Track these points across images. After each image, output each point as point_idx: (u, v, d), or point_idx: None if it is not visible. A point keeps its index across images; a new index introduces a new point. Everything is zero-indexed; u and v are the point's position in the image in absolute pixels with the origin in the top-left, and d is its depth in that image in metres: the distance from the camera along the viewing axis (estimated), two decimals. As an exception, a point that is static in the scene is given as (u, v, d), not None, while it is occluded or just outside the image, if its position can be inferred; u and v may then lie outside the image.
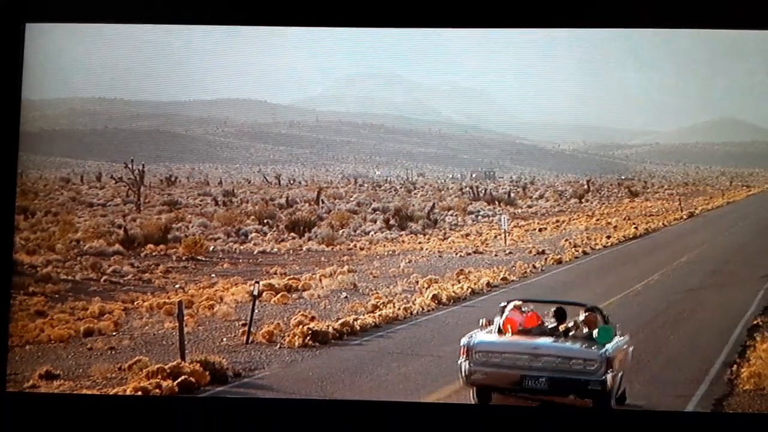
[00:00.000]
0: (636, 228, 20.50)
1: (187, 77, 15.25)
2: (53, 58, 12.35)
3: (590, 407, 8.15)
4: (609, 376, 7.85)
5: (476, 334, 8.49)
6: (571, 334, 8.29)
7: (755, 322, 13.22)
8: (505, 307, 8.71)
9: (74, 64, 14.13)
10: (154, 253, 17.60)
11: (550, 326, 8.54)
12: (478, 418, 9.88)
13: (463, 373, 8.33)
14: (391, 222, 20.48)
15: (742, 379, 10.68)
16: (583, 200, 22.81)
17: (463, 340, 8.47)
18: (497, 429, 9.83)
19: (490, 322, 8.73)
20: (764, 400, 10.22)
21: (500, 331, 8.41)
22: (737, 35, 13.34)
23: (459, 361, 8.41)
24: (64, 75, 13.90)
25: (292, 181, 22.28)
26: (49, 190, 18.39)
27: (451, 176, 22.91)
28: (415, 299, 14.84)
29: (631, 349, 9.11)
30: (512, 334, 8.24)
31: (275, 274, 16.88)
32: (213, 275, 16.69)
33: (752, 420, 9.87)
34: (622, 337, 8.74)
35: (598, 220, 21.45)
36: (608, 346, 8.16)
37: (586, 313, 8.45)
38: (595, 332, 8.26)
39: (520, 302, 8.67)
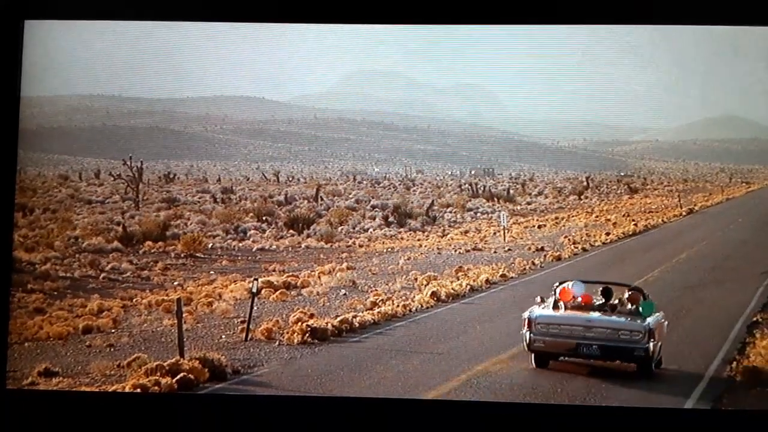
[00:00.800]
0: (635, 225, 20.49)
1: (186, 74, 15.22)
2: (52, 55, 12.32)
3: (634, 371, 9.82)
4: (651, 345, 9.51)
5: (535, 309, 9.97)
6: (617, 309, 9.84)
7: (755, 319, 13.22)
8: (558, 286, 10.25)
9: (73, 61, 14.10)
10: (152, 250, 17.58)
11: (598, 303, 10.07)
12: (477, 416, 9.88)
13: (525, 342, 9.96)
14: (390, 219, 20.47)
15: (742, 375, 10.68)
16: (582, 197, 22.80)
17: (525, 314, 9.99)
18: (496, 426, 9.83)
19: (543, 300, 10.22)
20: (764, 396, 10.22)
21: (556, 307, 9.88)
22: (737, 32, 13.33)
23: (522, 332, 10.03)
24: (62, 72, 13.87)
25: (290, 178, 22.26)
26: (48, 187, 18.37)
27: (450, 173, 22.90)
28: (414, 296, 14.84)
29: (665, 323, 10.35)
30: (566, 309, 9.76)
31: (274, 271, 16.87)
32: (212, 272, 16.68)
33: (751, 417, 9.87)
34: (658, 313, 10.16)
35: (597, 216, 21.45)
36: (649, 319, 9.73)
37: (630, 292, 10.03)
38: (639, 308, 9.87)
39: (570, 282, 10.11)
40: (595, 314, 9.67)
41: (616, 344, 9.41)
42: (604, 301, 10.00)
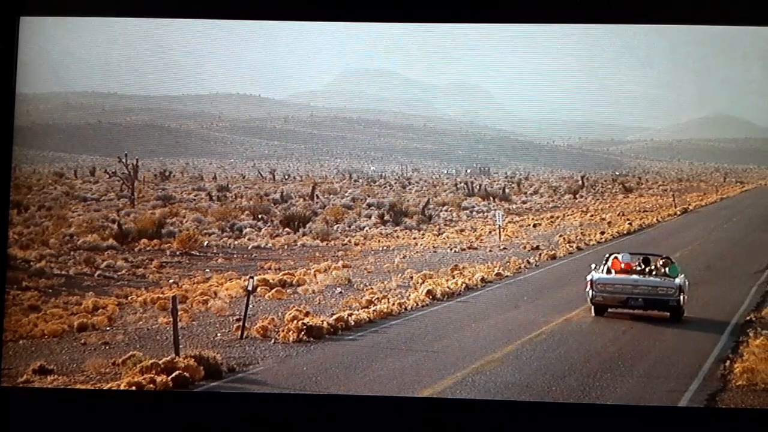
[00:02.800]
0: (630, 224, 20.55)
1: (181, 71, 15.19)
2: (47, 51, 12.28)
3: (668, 317, 12.69)
4: (681, 297, 12.59)
5: (594, 274, 13.00)
6: (654, 273, 12.96)
7: (748, 318, 13.27)
8: (609, 256, 13.35)
9: (68, 58, 14.05)
10: (148, 248, 17.55)
11: (638, 268, 13.18)
12: (472, 413, 9.91)
13: (589, 298, 12.91)
14: (386, 217, 20.48)
15: (735, 374, 10.72)
16: (577, 196, 22.86)
17: (588, 277, 13.02)
18: (490, 425, 9.86)
19: (597, 267, 13.30)
20: (757, 395, 10.28)
21: (609, 271, 12.99)
22: (732, 31, 13.36)
23: (586, 290, 12.97)
24: (57, 69, 13.83)
25: (286, 177, 22.25)
26: (43, 184, 18.31)
27: (446, 172, 22.92)
28: (410, 294, 14.85)
29: (687, 283, 13.23)
30: (616, 272, 12.86)
31: (270, 269, 16.86)
32: (207, 270, 16.66)
33: (745, 415, 9.92)
34: (683, 275, 13.08)
35: (592, 215, 21.50)
36: (678, 279, 12.80)
37: (663, 260, 13.22)
38: (669, 271, 13.06)
39: (619, 254, 13.34)
40: (639, 276, 12.70)
41: (656, 297, 12.42)
42: (644, 266, 13.04)
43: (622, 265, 13.10)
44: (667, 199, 22.19)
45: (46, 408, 10.28)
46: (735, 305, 13.99)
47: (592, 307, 12.75)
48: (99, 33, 13.48)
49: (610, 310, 12.80)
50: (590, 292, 12.73)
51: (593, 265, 13.36)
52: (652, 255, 13.04)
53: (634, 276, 12.69)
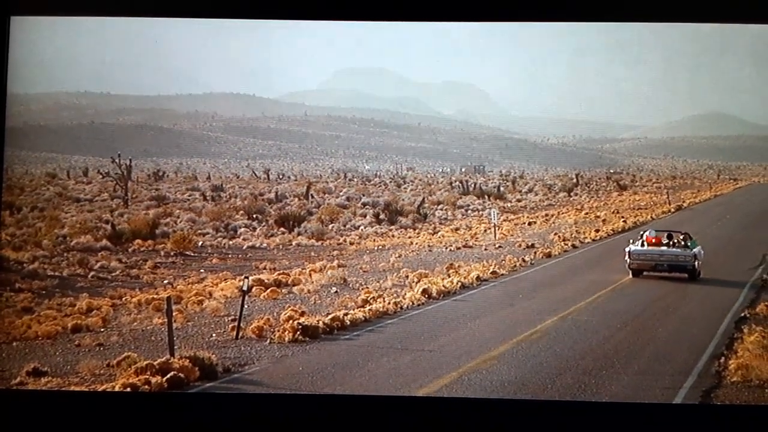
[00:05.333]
0: (624, 221, 20.60)
1: (175, 71, 15.13)
2: (38, 51, 12.19)
3: (686, 277, 15.68)
4: (696, 263, 15.71)
5: (631, 246, 16.03)
6: (675, 245, 16.14)
7: (743, 314, 13.31)
8: (643, 233, 16.41)
9: (60, 58, 13.97)
10: (142, 249, 17.48)
11: (665, 241, 16.37)
12: (469, 412, 9.90)
13: (627, 264, 15.85)
14: (381, 216, 20.47)
15: (730, 371, 10.74)
16: (572, 194, 22.89)
17: (626, 249, 16.03)
18: (487, 423, 9.86)
19: (633, 241, 16.26)
20: (752, 391, 10.31)
21: (643, 244, 16.09)
22: (725, 30, 13.41)
23: (625, 258, 15.90)
24: (49, 69, 13.75)
25: (281, 176, 22.21)
26: (35, 185, 18.23)
27: (440, 170, 22.93)
28: (405, 294, 14.83)
29: (702, 252, 16.09)
30: (649, 245, 16.07)
31: (265, 269, 16.82)
32: (202, 271, 16.61)
33: (740, 411, 9.95)
34: (699, 246, 16.05)
35: (587, 213, 21.54)
36: (694, 250, 15.91)
37: (682, 235, 16.24)
38: (688, 243, 16.14)
39: (650, 231, 16.61)
40: (664, 248, 15.98)
41: (677, 263, 15.66)
42: (668, 240, 16.29)
43: (653, 240, 16.33)
44: (661, 196, 22.25)
45: (40, 410, 10.21)
46: (729, 301, 14.04)
47: (630, 271, 15.87)
48: (91, 33, 13.41)
49: (644, 273, 15.98)
50: (628, 260, 15.83)
51: (630, 240, 16.45)
52: (674, 231, 16.46)
53: (662, 247, 15.97)
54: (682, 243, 16.11)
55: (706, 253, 16.54)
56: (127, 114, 19.64)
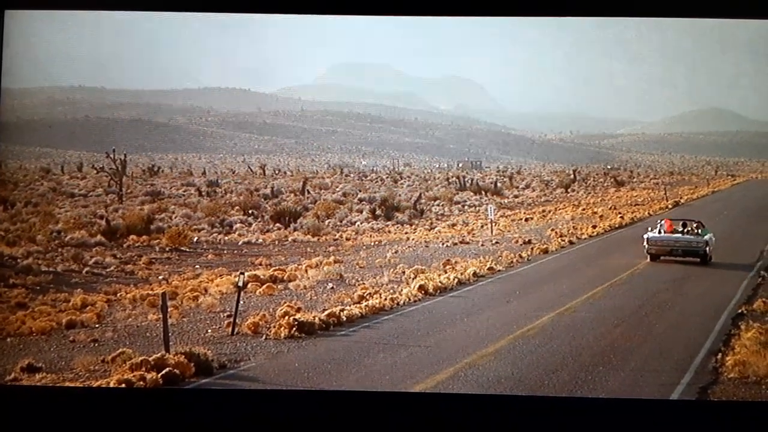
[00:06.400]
0: (622, 217, 20.57)
1: (171, 66, 15.04)
2: (33, 46, 12.09)
3: (698, 262, 16.77)
4: (707, 248, 16.75)
5: (649, 233, 17.21)
6: (689, 232, 17.22)
7: (740, 311, 13.29)
8: (661, 222, 17.56)
9: (54, 52, 13.87)
10: (136, 244, 17.40)
11: (680, 229, 17.43)
12: (465, 408, 9.87)
13: (646, 249, 16.92)
14: (378, 212, 20.41)
15: (727, 367, 10.72)
16: (569, 190, 22.86)
17: (644, 236, 17.15)
18: (483, 419, 9.84)
19: (652, 229, 17.47)
20: (748, 388, 10.29)
21: (660, 231, 17.31)
22: (723, 25, 13.36)
23: (643, 244, 17.00)
24: (43, 63, 13.64)
25: (277, 172, 22.13)
26: (29, 180, 18.12)
27: (437, 166, 22.88)
28: (402, 290, 14.77)
29: (714, 238, 17.19)
30: (665, 232, 17.25)
31: (260, 265, 16.75)
32: (197, 266, 16.54)
33: (737, 408, 9.94)
34: (710, 233, 17.19)
35: (584, 209, 21.51)
36: (705, 237, 16.99)
37: (696, 223, 17.35)
38: (700, 231, 17.28)
39: (668, 220, 17.82)
40: (679, 235, 17.14)
41: (690, 248, 16.75)
42: (683, 228, 17.40)
43: (671, 227, 17.82)
44: (658, 192, 22.24)
45: (34, 406, 10.15)
46: (727, 298, 14.03)
47: (648, 256, 17.04)
48: (86, 27, 13.30)
49: (661, 258, 17.10)
50: (646, 245, 17.02)
51: (648, 228, 17.84)
52: (688, 220, 17.65)
53: (677, 234, 17.16)
54: (696, 230, 17.35)
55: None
56: (122, 109, 19.55)
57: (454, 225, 20.19)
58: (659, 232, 17.26)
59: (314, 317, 12.81)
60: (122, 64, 14.73)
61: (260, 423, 9.99)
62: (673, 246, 16.68)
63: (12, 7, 11.22)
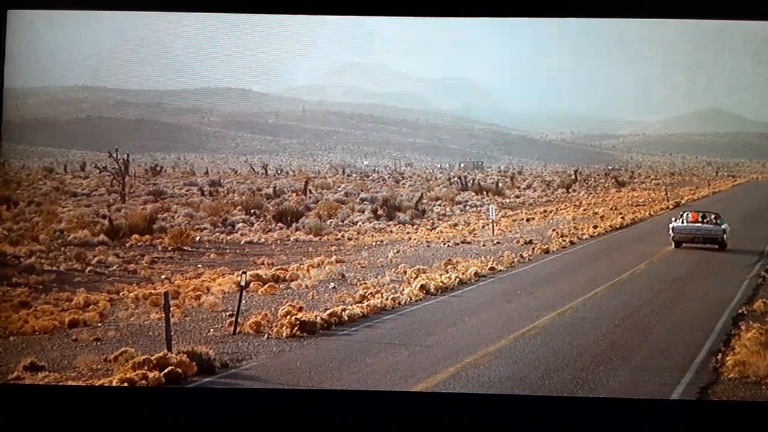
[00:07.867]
0: (623, 218, 20.61)
1: (173, 65, 15.08)
2: (36, 45, 12.14)
3: (716, 248, 18.09)
4: (725, 236, 18.16)
5: (674, 222, 18.61)
6: (708, 222, 18.69)
7: (740, 311, 13.32)
8: (685, 212, 19.04)
9: (57, 52, 13.92)
10: (139, 244, 17.46)
11: (700, 219, 18.86)
12: (466, 407, 9.91)
13: (671, 237, 18.25)
14: (379, 212, 20.45)
15: (727, 367, 10.75)
16: (570, 190, 22.90)
17: (669, 225, 18.50)
18: (484, 419, 9.87)
19: (675, 219, 18.86)
20: (748, 388, 10.32)
21: (683, 221, 18.72)
22: (724, 26, 13.38)
23: (669, 232, 18.32)
24: (46, 63, 13.69)
25: (279, 171, 22.19)
26: (32, 179, 18.19)
27: (439, 166, 22.91)
28: (403, 289, 14.82)
29: (729, 227, 18.47)
30: (688, 222, 18.69)
31: (262, 264, 16.80)
32: (199, 266, 16.59)
33: (737, 408, 9.97)
34: (726, 223, 18.51)
35: (585, 210, 21.55)
36: (723, 226, 18.40)
37: (714, 215, 18.77)
38: (718, 221, 18.65)
39: (693, 211, 19.23)
40: (700, 224, 18.61)
41: (710, 236, 18.19)
42: (702, 218, 18.93)
43: (694, 217, 19.39)
44: (659, 193, 22.28)
45: (37, 405, 10.20)
46: (727, 298, 14.06)
47: (673, 243, 18.37)
48: (89, 26, 13.34)
49: (684, 245, 18.36)
50: (671, 233, 18.39)
51: (673, 218, 19.21)
52: (707, 212, 19.05)
53: (697, 224, 18.66)
54: (714, 221, 19.06)
55: (704, 252, 16.91)
56: (124, 108, 19.59)
57: (455, 225, 20.23)
58: (683, 222, 18.98)
59: (316, 317, 12.86)
60: (125, 64, 14.78)
61: (261, 422, 10.04)
62: (695, 234, 18.30)
63: (14, 7, 11.28)
